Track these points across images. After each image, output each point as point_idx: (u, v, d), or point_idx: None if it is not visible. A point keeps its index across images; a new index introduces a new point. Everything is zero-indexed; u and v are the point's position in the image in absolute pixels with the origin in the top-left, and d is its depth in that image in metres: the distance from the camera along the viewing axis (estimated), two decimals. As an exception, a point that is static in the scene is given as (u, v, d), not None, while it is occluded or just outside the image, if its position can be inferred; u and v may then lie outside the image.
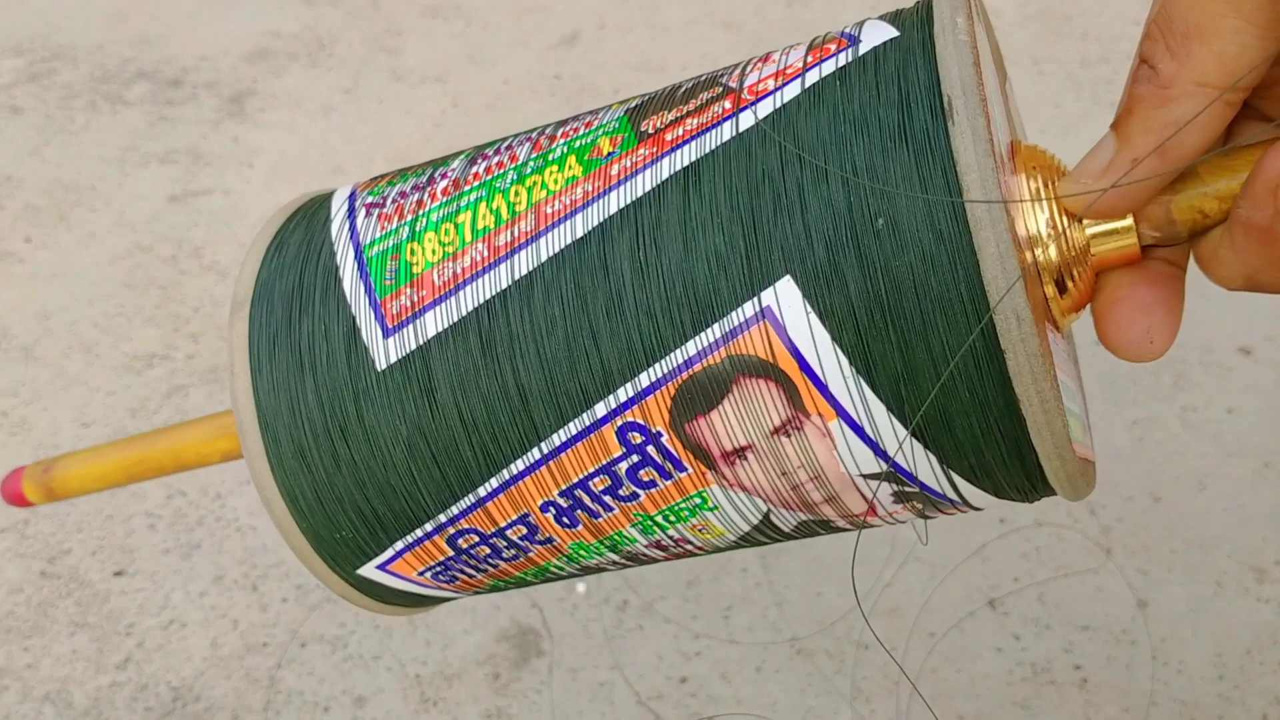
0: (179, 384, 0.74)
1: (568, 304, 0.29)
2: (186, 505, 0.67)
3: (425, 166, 0.34)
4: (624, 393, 0.29)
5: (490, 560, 0.33)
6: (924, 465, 0.28)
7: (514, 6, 1.05)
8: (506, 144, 0.32)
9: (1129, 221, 0.28)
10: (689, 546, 0.32)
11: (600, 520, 0.31)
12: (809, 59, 0.29)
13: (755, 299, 0.27)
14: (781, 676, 0.59)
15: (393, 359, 0.30)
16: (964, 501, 0.29)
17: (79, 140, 0.92)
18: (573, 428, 0.29)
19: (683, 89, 0.31)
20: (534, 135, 0.32)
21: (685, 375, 0.28)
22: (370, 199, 0.33)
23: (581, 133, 0.31)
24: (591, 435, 0.29)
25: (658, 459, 0.29)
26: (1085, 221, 0.28)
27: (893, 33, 0.28)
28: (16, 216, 0.86)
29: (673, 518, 0.31)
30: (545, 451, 0.30)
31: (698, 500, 0.30)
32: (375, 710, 0.58)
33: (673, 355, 0.28)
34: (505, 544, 0.32)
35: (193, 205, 0.87)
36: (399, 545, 0.32)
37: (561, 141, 0.31)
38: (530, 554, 0.32)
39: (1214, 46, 0.25)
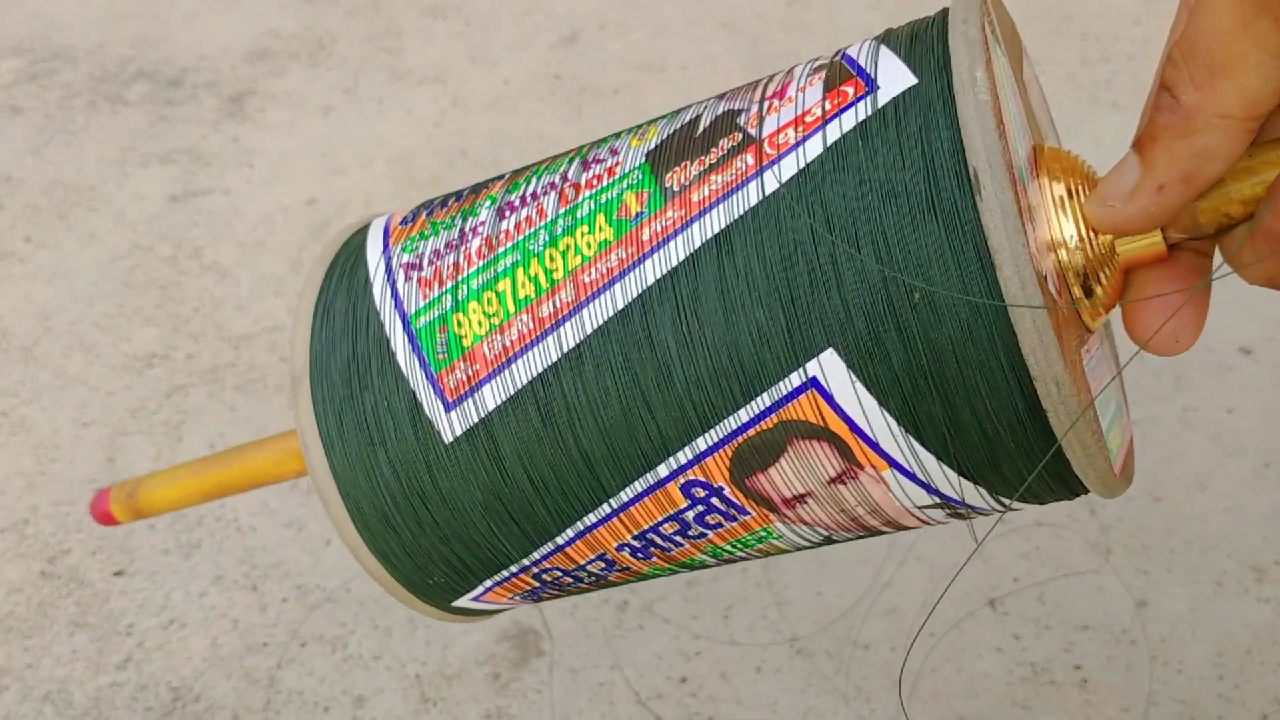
0: (179, 384, 0.74)
1: (619, 376, 0.30)
2: (186, 505, 0.67)
3: (454, 214, 0.34)
4: (683, 455, 0.30)
5: (572, 586, 0.35)
6: (973, 494, 0.30)
7: (514, 6, 1.05)
8: (531, 190, 0.33)
9: None
10: (755, 557, 0.34)
11: (673, 553, 0.33)
12: (827, 105, 0.29)
13: (801, 369, 0.28)
14: (781, 676, 0.59)
15: (458, 432, 0.32)
16: (1010, 510, 0.31)
17: (79, 140, 0.92)
18: (638, 486, 0.31)
19: (701, 129, 0.31)
20: (557, 181, 0.32)
21: (740, 439, 0.29)
22: (406, 257, 0.34)
23: (606, 183, 0.31)
24: (657, 491, 0.31)
25: (722, 507, 0.31)
26: None
27: (910, 79, 0.28)
28: (16, 216, 0.86)
29: (739, 545, 0.32)
30: (615, 506, 0.31)
31: (763, 533, 0.32)
32: (375, 710, 0.58)
33: (726, 422, 0.29)
34: (586, 574, 0.34)
35: (193, 205, 0.87)
36: (488, 583, 0.35)
37: (587, 195, 0.31)
38: (609, 578, 0.34)
39: (1238, 80, 0.25)
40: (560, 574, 0.34)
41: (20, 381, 0.74)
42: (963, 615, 0.61)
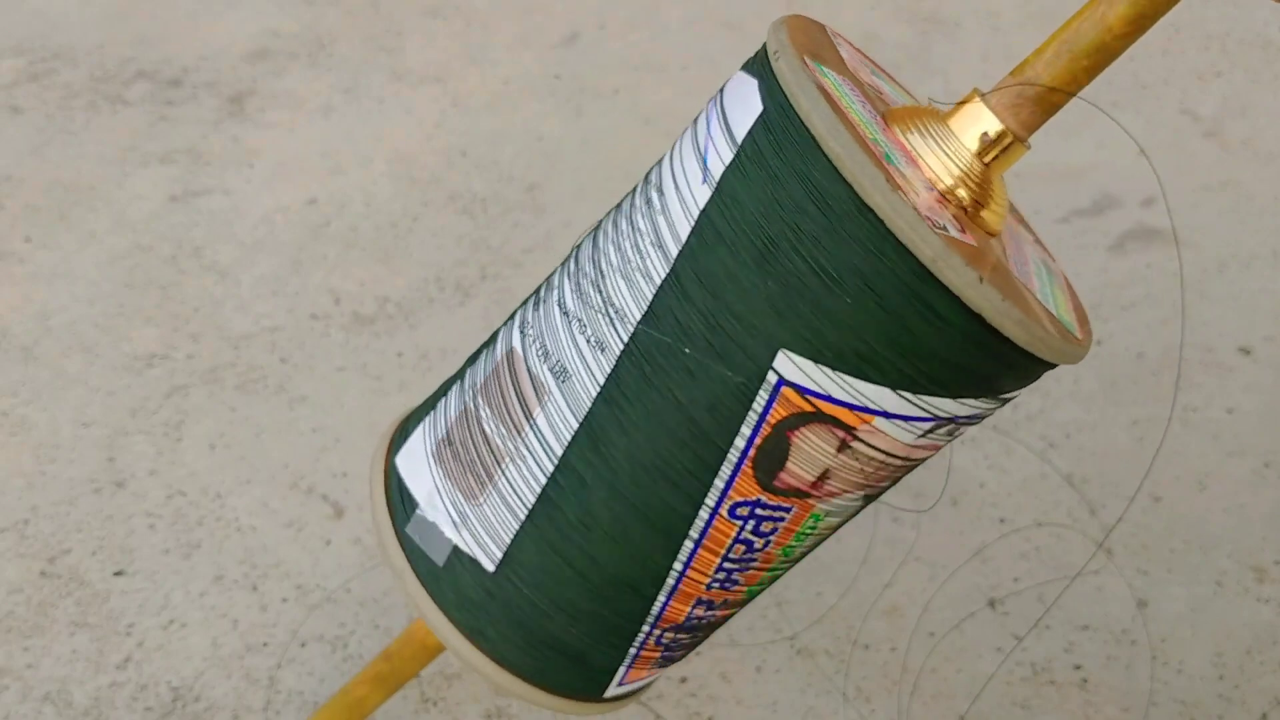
0: (179, 384, 0.74)
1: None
2: (186, 505, 0.67)
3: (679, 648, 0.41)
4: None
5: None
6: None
7: (514, 6, 1.05)
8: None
9: None
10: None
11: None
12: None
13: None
14: (781, 676, 0.59)
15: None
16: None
17: (79, 140, 0.92)
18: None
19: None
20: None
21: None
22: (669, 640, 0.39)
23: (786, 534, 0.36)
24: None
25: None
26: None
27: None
28: (16, 216, 0.86)
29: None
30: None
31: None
32: (375, 710, 0.58)
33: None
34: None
35: (193, 205, 0.87)
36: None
37: (781, 548, 0.37)
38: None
39: None
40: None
41: (20, 381, 0.74)
42: (963, 615, 0.61)
